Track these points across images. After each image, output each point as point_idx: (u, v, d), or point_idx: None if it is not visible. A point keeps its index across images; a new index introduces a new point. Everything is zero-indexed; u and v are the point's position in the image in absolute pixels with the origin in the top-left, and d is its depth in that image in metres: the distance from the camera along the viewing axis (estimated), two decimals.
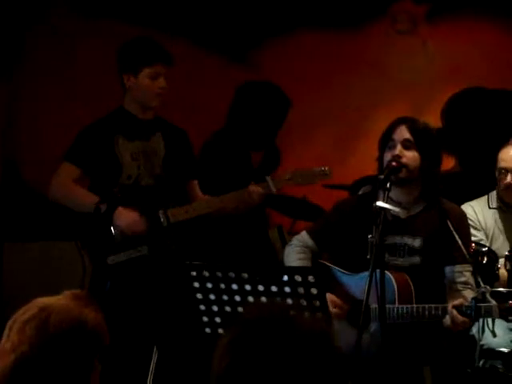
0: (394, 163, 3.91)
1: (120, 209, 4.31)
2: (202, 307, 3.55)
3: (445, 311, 3.76)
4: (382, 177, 3.85)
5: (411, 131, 3.95)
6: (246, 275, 3.47)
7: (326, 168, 4.41)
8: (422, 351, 3.93)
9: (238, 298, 3.49)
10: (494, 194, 4.85)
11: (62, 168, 4.44)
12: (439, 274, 3.96)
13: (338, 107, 6.10)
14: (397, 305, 3.78)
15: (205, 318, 3.55)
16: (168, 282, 4.32)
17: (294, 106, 5.80)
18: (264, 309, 1.87)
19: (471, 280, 3.95)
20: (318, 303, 3.41)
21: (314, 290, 3.41)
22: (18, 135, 6.16)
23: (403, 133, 3.96)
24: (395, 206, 3.85)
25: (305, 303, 3.40)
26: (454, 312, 3.73)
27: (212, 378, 1.78)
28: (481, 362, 4.35)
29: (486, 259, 4.46)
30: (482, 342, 4.37)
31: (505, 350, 4.38)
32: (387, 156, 3.95)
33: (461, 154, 5.88)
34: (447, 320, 3.75)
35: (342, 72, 6.15)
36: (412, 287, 3.88)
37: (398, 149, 3.92)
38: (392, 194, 3.90)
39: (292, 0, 6.15)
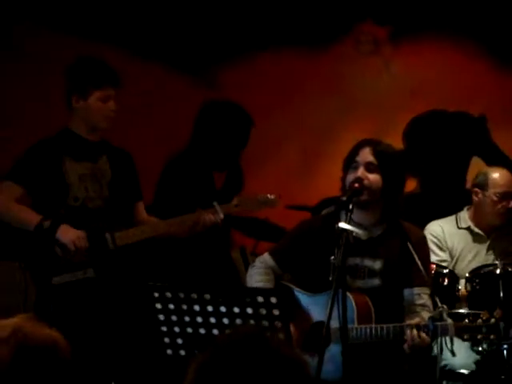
0: (356, 185, 3.93)
1: (64, 225, 4.26)
2: (164, 328, 3.53)
3: (402, 331, 3.78)
4: (344, 198, 3.87)
5: (375, 154, 3.98)
6: (208, 296, 3.46)
7: (273, 196, 4.46)
8: (383, 374, 3.94)
9: (199, 320, 3.48)
10: (463, 214, 4.90)
11: (3, 187, 4.37)
12: (398, 296, 3.97)
13: (301, 127, 6.12)
14: (356, 325, 3.79)
15: (166, 340, 3.54)
16: (116, 305, 4.29)
17: (256, 126, 5.80)
18: (237, 332, 1.86)
19: (429, 302, 3.97)
20: (279, 324, 3.42)
21: (275, 312, 3.41)
22: None
23: (367, 155, 3.98)
24: (357, 227, 3.86)
25: (266, 324, 3.40)
26: (412, 331, 3.74)
27: None
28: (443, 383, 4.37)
29: (446, 281, 4.50)
30: (443, 363, 4.39)
31: (465, 371, 4.40)
32: (350, 177, 3.96)
33: (422, 176, 5.92)
34: (405, 339, 3.75)
35: (304, 92, 6.16)
36: (372, 308, 3.89)
37: (361, 171, 3.94)
38: (354, 216, 3.92)
39: (254, 20, 6.17)
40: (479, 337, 3.76)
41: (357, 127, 5.99)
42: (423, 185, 5.89)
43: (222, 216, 4.40)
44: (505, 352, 4.36)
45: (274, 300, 3.40)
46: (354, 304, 3.82)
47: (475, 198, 4.84)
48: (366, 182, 3.92)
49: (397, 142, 5.81)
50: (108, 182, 4.43)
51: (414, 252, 3.96)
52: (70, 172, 4.37)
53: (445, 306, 3.91)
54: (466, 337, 3.77)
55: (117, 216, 4.42)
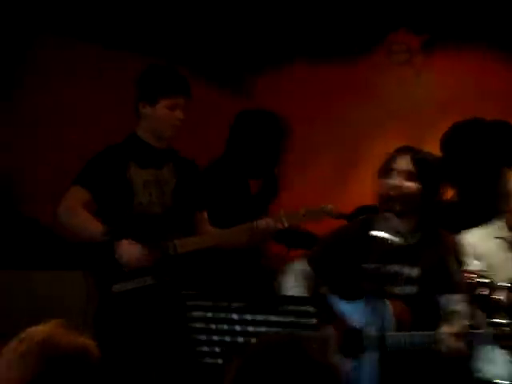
0: (391, 192, 3.92)
1: (123, 242, 4.25)
2: (202, 337, 3.53)
3: (440, 338, 3.74)
4: (379, 205, 3.86)
5: (414, 162, 3.95)
6: (245, 305, 3.46)
7: (330, 206, 4.46)
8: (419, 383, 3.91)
9: (238, 328, 3.47)
10: (499, 223, 4.85)
11: (71, 191, 4.38)
12: (435, 304, 3.96)
13: (335, 137, 6.12)
14: (392, 333, 3.77)
15: (204, 348, 3.53)
16: (170, 313, 4.29)
17: (291, 135, 5.79)
18: (275, 338, 1.85)
19: (466, 309, 3.95)
20: (317, 333, 3.41)
21: (313, 321, 3.40)
22: (16, 160, 6.13)
23: (406, 163, 3.96)
24: (394, 235, 3.84)
25: (304, 333, 3.39)
26: (450, 338, 3.71)
27: None
28: None
29: (485, 290, 4.45)
30: (480, 374, 4.35)
31: (505, 382, 4.35)
32: (385, 184, 3.94)
33: (460, 185, 5.88)
34: (442, 347, 3.73)
35: (338, 102, 6.17)
36: (409, 316, 3.87)
37: (398, 179, 3.91)
38: (390, 223, 3.90)
39: (289, 30, 6.17)
40: None
41: (390, 137, 5.97)
42: (461, 193, 5.85)
43: (286, 225, 4.38)
44: None
45: (311, 309, 3.40)
46: (391, 311, 3.80)
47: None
48: (401, 190, 3.90)
49: (433, 150, 5.74)
50: (172, 190, 4.41)
51: (450, 260, 3.94)
52: (135, 178, 4.37)
53: (484, 314, 3.88)
54: (505, 345, 3.73)
55: (178, 224, 4.41)
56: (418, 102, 6.06)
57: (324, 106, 6.12)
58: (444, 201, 5.27)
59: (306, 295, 3.99)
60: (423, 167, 3.98)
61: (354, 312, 3.90)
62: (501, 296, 4.48)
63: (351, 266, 3.98)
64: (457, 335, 3.74)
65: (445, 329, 3.81)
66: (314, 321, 3.41)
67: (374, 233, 3.72)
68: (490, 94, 5.94)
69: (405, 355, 3.81)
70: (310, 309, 3.40)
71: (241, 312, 3.47)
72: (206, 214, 4.61)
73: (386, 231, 3.81)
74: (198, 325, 3.53)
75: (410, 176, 3.95)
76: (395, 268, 3.96)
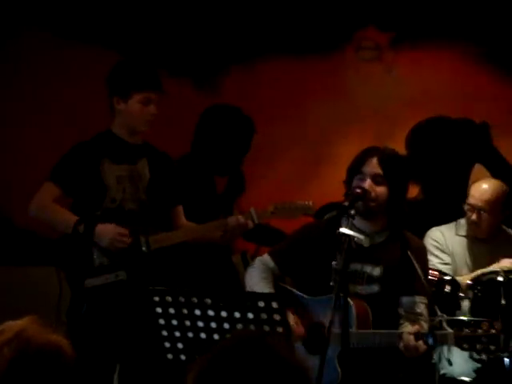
0: (358, 190, 3.93)
1: (100, 226, 4.26)
2: (165, 333, 3.52)
3: (400, 338, 3.77)
4: (346, 204, 3.87)
5: (381, 165, 3.97)
6: (209, 301, 3.46)
7: (310, 202, 4.42)
8: (379, 381, 3.94)
9: (200, 324, 3.47)
10: (462, 221, 4.89)
11: (43, 187, 4.40)
12: (396, 304, 3.98)
13: (302, 133, 6.11)
14: (355, 330, 3.78)
15: (167, 344, 3.53)
16: (140, 309, 4.29)
17: (258, 131, 5.80)
18: (237, 337, 1.85)
19: (425, 312, 3.99)
20: (281, 329, 3.41)
21: (277, 317, 3.41)
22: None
23: (374, 166, 3.98)
24: (358, 233, 3.86)
25: (267, 329, 3.39)
26: (409, 337, 3.74)
27: None
28: None
29: (448, 288, 4.49)
30: (443, 371, 4.38)
31: (466, 379, 4.39)
32: (355, 187, 3.95)
33: (424, 183, 5.91)
34: (402, 346, 3.77)
35: (306, 98, 6.16)
36: (370, 314, 3.90)
37: (368, 183, 3.94)
38: (356, 223, 3.92)
39: (258, 27, 6.16)
40: (478, 347, 3.76)
41: (358, 133, 5.98)
42: (425, 191, 5.88)
43: (256, 222, 4.38)
44: (505, 360, 4.34)
45: (275, 305, 3.41)
46: (354, 309, 3.82)
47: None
48: (373, 194, 3.93)
49: (399, 148, 5.79)
50: (146, 185, 4.41)
51: (414, 261, 3.97)
52: (108, 173, 4.37)
53: (444, 315, 3.92)
54: (465, 346, 3.77)
55: (153, 219, 4.40)
56: (386, 99, 6.06)
57: (293, 103, 6.11)
58: (409, 199, 5.32)
59: (270, 291, 3.99)
60: (390, 169, 3.99)
61: (317, 308, 3.92)
62: (463, 293, 4.52)
63: (315, 263, 3.99)
64: (416, 335, 3.76)
65: (405, 328, 3.84)
66: (279, 317, 3.41)
67: (342, 230, 3.73)
68: (459, 91, 5.97)
69: (365, 354, 3.83)
70: (275, 305, 3.40)
71: (204, 308, 3.46)
72: (181, 208, 4.60)
73: (353, 230, 3.83)
74: (161, 321, 3.52)
75: (378, 179, 3.97)
76: (358, 267, 3.98)
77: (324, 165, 6.03)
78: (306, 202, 4.41)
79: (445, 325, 3.92)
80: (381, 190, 3.96)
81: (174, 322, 3.50)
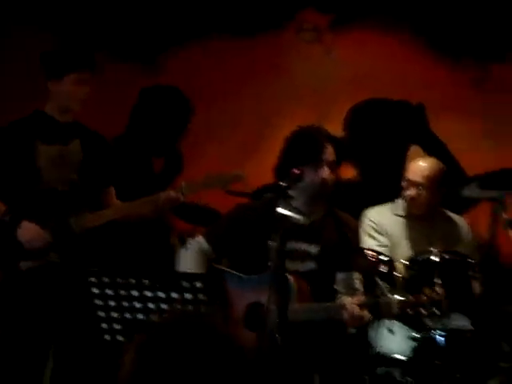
0: (296, 171, 3.95)
1: (23, 223, 4.25)
2: (102, 314, 3.50)
3: (344, 308, 3.82)
4: (284, 184, 3.89)
5: (336, 153, 4.05)
6: (146, 282, 3.44)
7: (239, 172, 4.44)
8: (313, 357, 3.99)
9: (138, 305, 3.46)
10: (399, 201, 4.95)
11: None
12: (333, 280, 4.05)
13: (241, 114, 6.11)
14: (296, 304, 3.81)
15: (104, 325, 3.51)
16: (74, 289, 4.27)
17: (198, 112, 5.78)
18: (176, 313, 1.85)
19: (361, 288, 4.06)
20: (210, 308, 3.42)
21: (201, 296, 3.41)
22: None
23: (331, 154, 4.05)
24: (296, 213, 3.89)
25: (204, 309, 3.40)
26: (354, 306, 3.81)
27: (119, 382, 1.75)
28: (379, 369, 4.41)
29: (385, 268, 4.54)
30: (379, 349, 4.44)
31: (402, 357, 4.45)
32: (312, 174, 3.99)
33: (361, 164, 5.96)
34: (344, 315, 3.82)
35: (246, 79, 6.16)
36: (309, 289, 3.96)
37: (328, 172, 4.02)
38: (294, 203, 3.94)
39: (201, 7, 6.14)
40: (423, 312, 3.80)
41: (298, 114, 6.00)
42: (363, 173, 5.93)
43: (188, 193, 4.37)
44: (439, 338, 4.42)
45: (199, 285, 3.40)
46: (293, 284, 3.86)
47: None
48: (330, 183, 4.02)
49: (337, 129, 5.85)
50: (77, 166, 4.37)
51: (349, 238, 4.05)
52: (40, 155, 4.31)
53: (386, 284, 3.97)
54: (410, 312, 3.81)
55: (84, 200, 4.37)
56: (325, 80, 6.09)
57: (234, 83, 6.11)
58: (346, 180, 5.36)
59: (198, 271, 3.99)
60: (340, 155, 4.07)
61: (255, 286, 3.94)
62: (399, 273, 4.58)
63: (251, 243, 4.01)
64: (360, 304, 3.82)
65: (347, 299, 3.89)
66: (203, 297, 3.41)
67: (279, 210, 3.76)
68: (397, 73, 6.02)
69: (305, 329, 3.87)
70: (199, 285, 3.40)
71: (141, 289, 3.45)
72: (113, 189, 4.58)
73: (290, 210, 3.86)
74: (98, 302, 3.50)
75: (333, 167, 4.05)
76: (296, 245, 4.03)
77: (264, 145, 6.04)
78: (237, 172, 4.43)
79: (388, 293, 3.98)
80: (334, 177, 4.03)
81: (112, 303, 3.48)
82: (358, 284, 4.04)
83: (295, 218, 3.85)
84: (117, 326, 3.50)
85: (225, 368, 1.75)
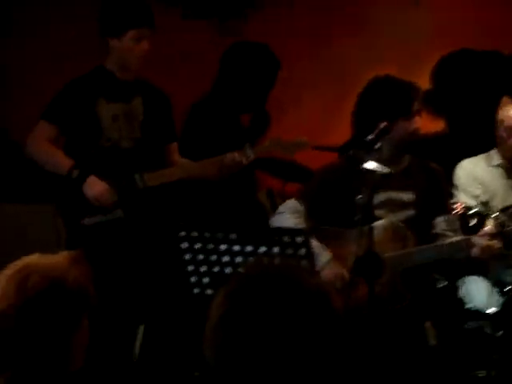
0: (384, 124, 3.92)
1: (91, 178, 4.28)
2: (191, 268, 3.55)
3: (468, 244, 3.89)
4: (372, 137, 3.86)
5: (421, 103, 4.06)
6: (234, 236, 3.48)
7: (304, 139, 4.45)
8: (423, 306, 4.00)
9: (226, 259, 3.50)
10: (493, 152, 4.85)
11: (38, 126, 4.37)
12: (430, 226, 4.07)
13: (327, 69, 6.07)
14: (418, 247, 3.89)
15: (193, 279, 3.56)
16: (144, 245, 4.32)
17: (284, 68, 5.76)
18: (267, 264, 1.87)
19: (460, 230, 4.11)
20: (306, 263, 3.43)
21: (302, 251, 3.43)
22: (7, 95, 6.10)
23: (419, 105, 4.05)
24: (384, 164, 3.86)
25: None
26: (482, 238, 3.90)
27: (207, 328, 1.78)
28: (469, 323, 4.39)
29: (473, 221, 4.48)
30: (468, 305, 4.41)
31: (491, 310, 4.40)
32: (402, 126, 3.99)
33: (450, 116, 5.86)
34: (474, 251, 3.90)
35: (330, 33, 6.11)
36: (406, 230, 3.96)
37: (418, 121, 4.03)
38: (379, 154, 3.92)
39: None
40: None
41: (382, 66, 5.92)
42: (452, 125, 5.83)
43: (252, 157, 4.40)
44: None
45: (300, 239, 3.42)
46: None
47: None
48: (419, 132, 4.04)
49: (423, 81, 5.73)
50: (140, 123, 4.41)
51: (441, 182, 4.12)
52: (103, 112, 4.36)
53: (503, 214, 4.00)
54: None
55: (148, 157, 4.41)
56: (411, 31, 6.00)
57: (316, 41, 6.07)
58: (435, 133, 5.29)
59: (297, 227, 3.99)
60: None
61: (348, 239, 3.93)
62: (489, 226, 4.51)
63: (342, 201, 4.00)
64: (491, 235, 3.91)
65: (478, 234, 3.94)
66: (304, 251, 3.43)
67: (366, 165, 3.74)
68: (486, 23, 5.88)
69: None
70: (300, 239, 3.42)
71: (229, 243, 3.48)
72: (176, 146, 4.60)
73: (378, 162, 3.84)
74: (187, 256, 3.55)
75: (420, 114, 4.06)
76: (390, 195, 4.03)
77: (349, 101, 5.98)
78: (301, 139, 4.45)
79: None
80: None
81: (200, 257, 3.53)
82: (458, 225, 4.08)
83: (383, 171, 3.84)
84: (206, 280, 3.55)
85: (311, 320, 1.75)
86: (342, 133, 5.44)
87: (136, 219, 4.35)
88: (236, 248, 3.49)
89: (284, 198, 5.54)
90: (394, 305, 3.86)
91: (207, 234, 3.51)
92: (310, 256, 3.49)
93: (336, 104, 6.03)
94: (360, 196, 3.72)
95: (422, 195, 4.06)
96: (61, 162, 4.31)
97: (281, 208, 4.17)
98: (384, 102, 4.02)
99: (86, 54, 5.02)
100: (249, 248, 3.48)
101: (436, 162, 4.26)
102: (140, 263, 4.35)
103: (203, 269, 3.54)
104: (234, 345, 1.73)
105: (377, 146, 3.89)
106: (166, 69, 5.16)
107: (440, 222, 4.06)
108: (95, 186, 4.28)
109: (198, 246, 3.52)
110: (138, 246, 4.35)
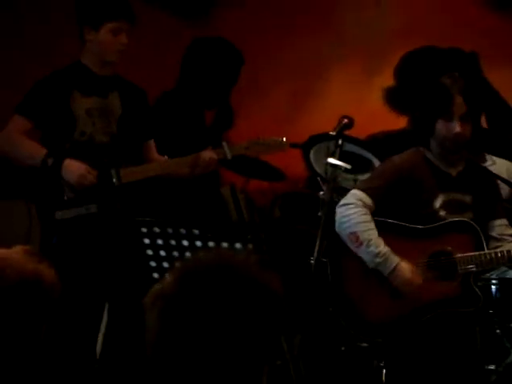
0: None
1: (68, 161, 4.22)
2: (153, 263, 3.54)
3: None
4: (333, 133, 3.87)
5: (467, 103, 3.92)
6: (196, 232, 3.47)
7: (284, 139, 4.43)
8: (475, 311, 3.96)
9: (188, 255, 3.49)
10: None
11: (12, 120, 4.34)
12: (486, 229, 4.03)
13: (291, 66, 6.07)
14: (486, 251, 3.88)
15: (155, 275, 3.55)
16: (117, 241, 4.29)
17: (247, 66, 5.75)
18: (204, 257, 1.83)
19: None
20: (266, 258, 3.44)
21: (263, 247, 3.43)
22: None
23: (461, 106, 3.92)
24: (446, 165, 3.95)
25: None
26: None
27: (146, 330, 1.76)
28: None
29: None
30: None
31: None
32: (444, 129, 3.92)
33: (412, 114, 5.88)
34: None
35: (295, 30, 6.11)
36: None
37: (460, 126, 3.90)
38: (440, 155, 3.99)
39: None
40: None
41: (347, 64, 5.95)
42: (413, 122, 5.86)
43: (229, 157, 4.39)
44: None
45: (250, 235, 3.42)
46: (480, 233, 3.93)
47: None
48: (463, 136, 3.92)
49: (387, 79, 5.78)
50: (117, 118, 4.38)
51: (497, 185, 4.10)
52: (78, 106, 4.32)
53: None
54: None
55: (124, 153, 4.39)
56: (375, 29, 6.02)
57: (281, 36, 6.07)
58: (396, 131, 5.29)
59: (371, 227, 3.91)
60: (475, 107, 3.99)
61: (433, 236, 3.94)
62: None
63: (411, 195, 3.99)
64: None
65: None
66: (265, 247, 3.43)
67: (330, 160, 3.75)
68: (450, 21, 5.92)
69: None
70: (250, 235, 3.42)
71: (192, 239, 3.47)
72: (153, 143, 4.58)
73: (439, 160, 3.96)
74: (149, 251, 3.54)
75: (466, 118, 3.94)
76: (452, 195, 4.02)
77: (314, 97, 6.00)
78: (279, 139, 4.42)
79: None
80: (469, 128, 3.94)
81: (162, 253, 3.52)
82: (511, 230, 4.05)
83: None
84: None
85: (256, 312, 1.74)
86: (305, 129, 5.46)
87: (110, 215, 4.32)
88: (198, 244, 3.48)
89: (246, 194, 5.56)
90: (467, 307, 3.85)
91: (169, 230, 3.50)
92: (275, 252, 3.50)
93: (300, 101, 6.05)
94: (322, 192, 3.73)
95: (479, 198, 4.04)
96: (35, 151, 4.26)
97: (347, 199, 4.01)
98: (424, 100, 4.05)
99: (60, 52, 4.99)
100: (211, 244, 3.47)
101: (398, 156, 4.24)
102: (109, 258, 4.32)
103: (165, 265, 3.53)
104: (172, 339, 1.72)
105: (339, 142, 3.89)
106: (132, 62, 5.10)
107: (496, 226, 4.04)
108: (74, 168, 4.23)
109: (160, 241, 3.51)
110: (110, 240, 4.31)
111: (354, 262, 3.92)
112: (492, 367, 3.98)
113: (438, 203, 3.94)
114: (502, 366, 3.91)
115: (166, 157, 4.52)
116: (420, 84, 5.56)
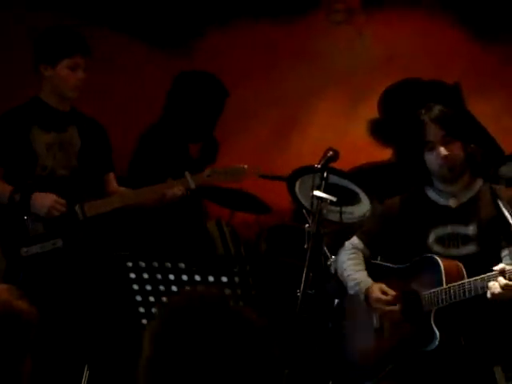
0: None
1: (36, 194, 4.25)
2: (139, 298, 3.53)
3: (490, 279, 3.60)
4: (318, 166, 3.86)
5: (444, 128, 3.81)
6: (183, 265, 3.46)
7: (245, 166, 4.45)
8: (492, 349, 3.78)
9: (175, 289, 3.48)
10: None
11: None
12: (496, 260, 3.74)
13: (275, 97, 6.10)
14: (444, 286, 3.68)
15: (141, 309, 3.54)
16: (85, 276, 4.28)
17: (231, 96, 5.78)
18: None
19: None
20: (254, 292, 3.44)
21: (236, 279, 3.42)
22: None
23: (438, 132, 3.81)
24: (447, 197, 3.85)
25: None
26: (498, 278, 3.55)
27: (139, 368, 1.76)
28: None
29: None
30: None
31: None
32: (431, 158, 3.81)
33: (397, 145, 5.92)
34: (495, 287, 3.56)
35: (279, 62, 6.15)
36: (463, 271, 3.73)
37: (442, 150, 3.78)
38: (442, 187, 3.87)
39: None
40: None
41: (331, 96, 5.98)
42: (398, 154, 5.89)
43: (193, 186, 4.39)
44: None
45: (236, 268, 3.41)
46: (441, 266, 3.71)
47: None
48: (452, 156, 3.78)
49: (371, 110, 5.82)
50: (77, 152, 4.41)
51: (505, 210, 3.76)
52: (38, 141, 4.35)
53: None
54: None
55: (86, 186, 4.40)
56: (358, 62, 6.06)
57: (264, 67, 6.10)
58: (382, 162, 5.30)
59: (358, 269, 3.89)
60: (453, 127, 3.83)
61: (405, 275, 3.86)
62: None
63: (406, 235, 3.91)
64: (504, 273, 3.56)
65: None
66: (251, 280, 3.42)
67: (316, 193, 3.75)
68: (432, 51, 5.97)
69: (477, 322, 3.72)
70: (235, 268, 3.41)
71: (178, 273, 3.47)
72: (113, 175, 4.60)
73: (440, 195, 3.84)
74: (135, 286, 3.53)
75: (448, 140, 3.79)
76: (449, 229, 3.85)
77: (298, 127, 6.02)
78: (241, 166, 4.44)
79: None
80: (455, 147, 3.80)
81: (148, 287, 3.51)
82: None
83: (445, 202, 3.81)
84: (155, 310, 3.53)
85: (239, 347, 1.73)
86: (289, 161, 5.47)
87: (76, 249, 4.31)
88: (184, 278, 3.47)
89: (232, 228, 5.56)
90: (421, 346, 3.71)
91: (155, 264, 3.49)
92: (259, 286, 3.49)
93: (284, 133, 6.07)
94: (308, 225, 3.72)
95: (486, 228, 3.81)
96: (0, 189, 4.27)
97: (345, 244, 4.05)
98: (404, 134, 3.98)
99: (20, 86, 4.99)
100: (197, 277, 3.46)
101: (383, 190, 4.26)
102: (80, 294, 4.30)
103: (151, 299, 3.52)
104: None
105: (325, 175, 3.89)
106: (115, 95, 5.13)
107: (505, 256, 3.77)
108: (44, 199, 4.25)
109: (146, 275, 3.50)
110: (78, 276, 4.30)
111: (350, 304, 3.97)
112: None
113: (431, 239, 3.87)
114: None
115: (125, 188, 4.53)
116: (401, 117, 5.63)
